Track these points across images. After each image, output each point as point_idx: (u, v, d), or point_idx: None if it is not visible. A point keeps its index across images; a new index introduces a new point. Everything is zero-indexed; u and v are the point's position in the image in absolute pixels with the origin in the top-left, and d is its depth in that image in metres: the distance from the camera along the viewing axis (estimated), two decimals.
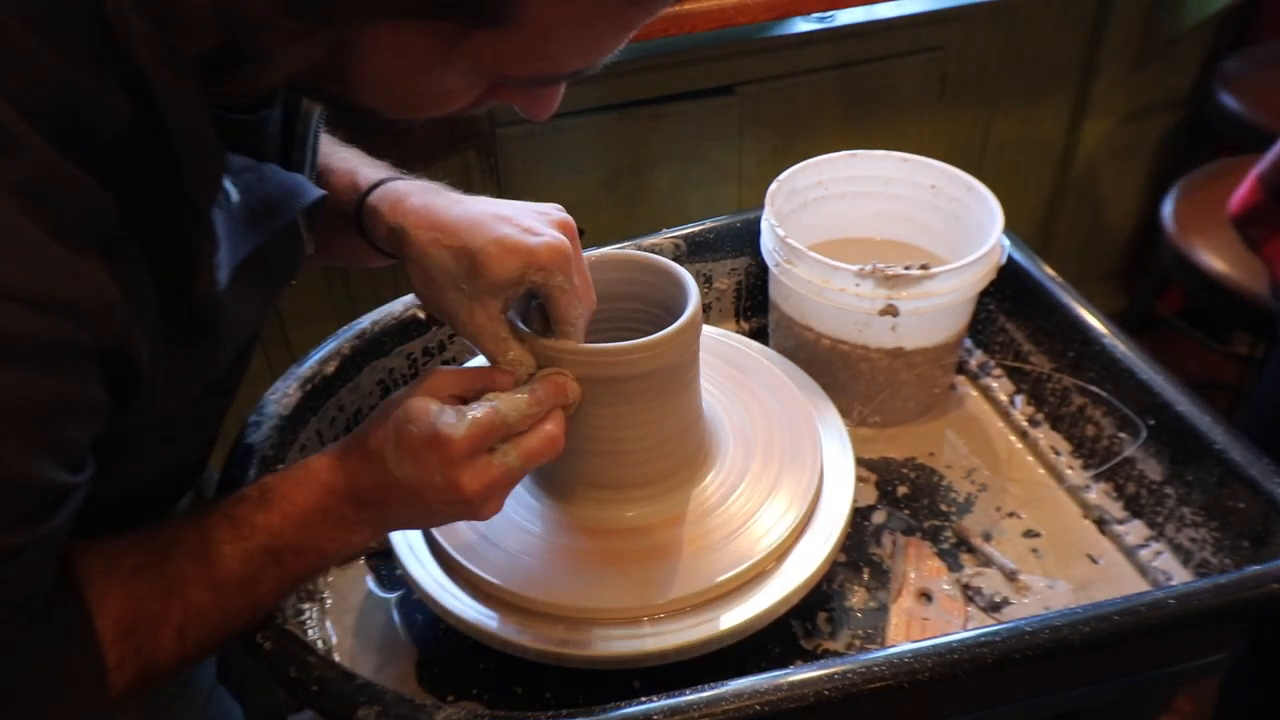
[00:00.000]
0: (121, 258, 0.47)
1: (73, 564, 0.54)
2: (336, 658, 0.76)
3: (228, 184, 0.53)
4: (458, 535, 0.72)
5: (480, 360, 0.70)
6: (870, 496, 0.88)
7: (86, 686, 0.53)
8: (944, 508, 0.87)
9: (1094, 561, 0.82)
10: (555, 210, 0.68)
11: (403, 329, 0.90)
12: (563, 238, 0.65)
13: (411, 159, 1.61)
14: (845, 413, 0.91)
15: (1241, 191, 1.09)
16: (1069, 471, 0.89)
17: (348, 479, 0.61)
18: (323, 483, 0.61)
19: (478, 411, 0.60)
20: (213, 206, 0.51)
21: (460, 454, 0.59)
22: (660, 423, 0.71)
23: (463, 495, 0.60)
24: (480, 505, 0.61)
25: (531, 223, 0.65)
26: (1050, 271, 0.94)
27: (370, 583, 0.82)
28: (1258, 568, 0.67)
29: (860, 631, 0.77)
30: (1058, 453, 0.90)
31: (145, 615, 0.56)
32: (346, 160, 0.75)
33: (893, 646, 0.66)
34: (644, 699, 0.59)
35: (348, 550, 0.64)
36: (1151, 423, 0.82)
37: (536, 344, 0.66)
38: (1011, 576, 0.80)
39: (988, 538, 0.84)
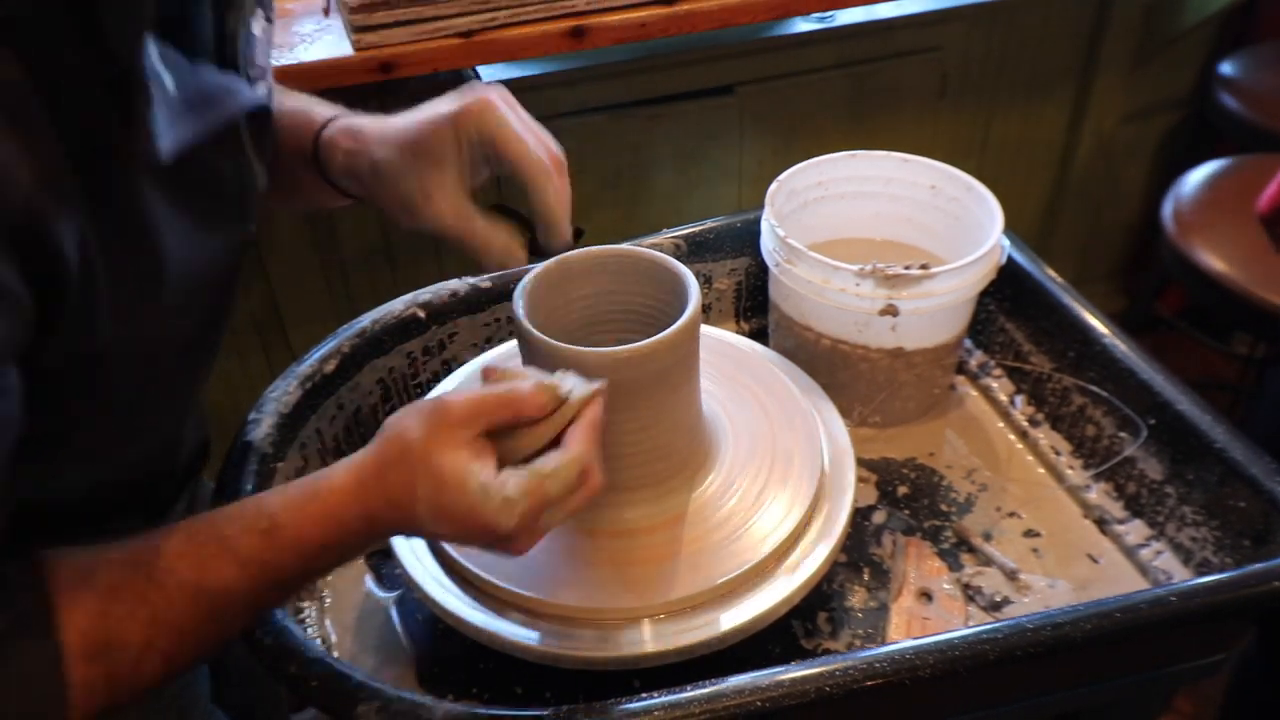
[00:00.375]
0: (28, 129, 0.43)
1: (45, 575, 0.51)
2: (336, 656, 0.76)
3: (160, 68, 0.48)
4: None
5: (485, 363, 0.69)
6: (870, 496, 0.88)
7: (43, 706, 0.49)
8: (944, 508, 0.87)
9: (1094, 561, 0.82)
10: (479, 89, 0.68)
11: (403, 328, 0.90)
12: (488, 94, 0.65)
13: None
14: (845, 413, 0.91)
15: (1271, 191, 1.09)
16: (1069, 471, 0.89)
17: (367, 521, 0.57)
18: (339, 521, 0.57)
19: (525, 502, 0.56)
20: (139, 57, 0.46)
21: (510, 534, 0.57)
22: (660, 424, 0.71)
23: (512, 551, 0.59)
24: (521, 553, 0.60)
25: (454, 98, 0.66)
26: (1050, 272, 0.94)
27: (370, 582, 0.82)
28: (1259, 565, 0.67)
29: (861, 631, 0.77)
30: (1058, 453, 0.90)
31: (120, 639, 0.51)
32: (298, 100, 0.75)
33: (895, 643, 0.66)
34: (644, 695, 0.59)
35: (343, 565, 0.64)
36: (1152, 422, 0.82)
37: (542, 345, 0.66)
38: (1012, 576, 0.80)
39: (988, 537, 0.84)
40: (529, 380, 0.60)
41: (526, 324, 0.67)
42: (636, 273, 0.74)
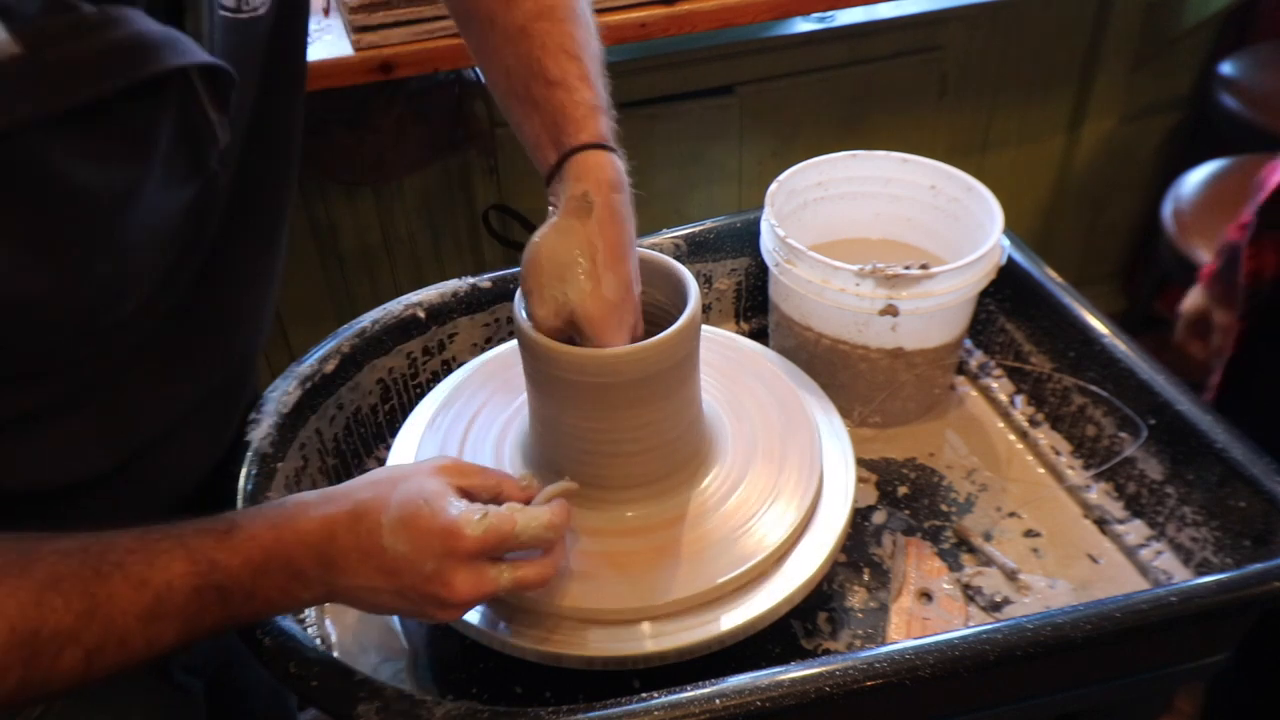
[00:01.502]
0: None
1: None
2: (336, 656, 0.76)
3: None
4: None
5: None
6: (870, 497, 0.88)
7: None
8: (944, 508, 0.87)
9: (1095, 561, 0.82)
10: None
11: (403, 328, 0.90)
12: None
13: (411, 160, 1.61)
14: (845, 413, 0.91)
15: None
16: (1069, 471, 0.89)
17: (325, 534, 0.58)
18: (297, 531, 0.58)
19: (495, 519, 0.60)
20: None
21: (467, 553, 0.58)
22: (660, 424, 0.71)
23: (448, 593, 0.58)
24: (455, 609, 0.61)
25: (633, 320, 0.68)
26: (1050, 272, 0.94)
27: None
28: (1259, 565, 0.67)
29: (861, 631, 0.77)
30: (1058, 453, 0.90)
31: (51, 628, 0.51)
32: (560, 97, 0.70)
33: (895, 643, 0.66)
34: (644, 695, 0.59)
35: (289, 609, 0.63)
36: (1152, 422, 0.82)
37: (541, 346, 0.66)
38: (1012, 576, 0.80)
39: (988, 538, 0.84)
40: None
41: (526, 326, 0.67)
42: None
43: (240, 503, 0.73)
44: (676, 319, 0.68)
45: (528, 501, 0.65)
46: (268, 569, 0.57)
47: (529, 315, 0.68)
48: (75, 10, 0.46)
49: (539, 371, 0.69)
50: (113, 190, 0.50)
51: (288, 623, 0.65)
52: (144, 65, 0.49)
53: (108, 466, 0.62)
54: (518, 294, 0.69)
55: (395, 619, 0.79)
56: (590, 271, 0.66)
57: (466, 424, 0.80)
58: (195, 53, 0.52)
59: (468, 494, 0.63)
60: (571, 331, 0.67)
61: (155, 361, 0.62)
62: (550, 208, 0.69)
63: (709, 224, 1.00)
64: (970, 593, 0.79)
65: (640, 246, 0.74)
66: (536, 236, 0.67)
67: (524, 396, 0.76)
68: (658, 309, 0.74)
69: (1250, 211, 0.93)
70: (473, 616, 0.68)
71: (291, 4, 0.64)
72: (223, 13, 0.56)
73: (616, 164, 0.69)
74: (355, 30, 1.26)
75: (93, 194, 0.49)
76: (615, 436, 0.70)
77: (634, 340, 0.68)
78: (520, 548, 0.62)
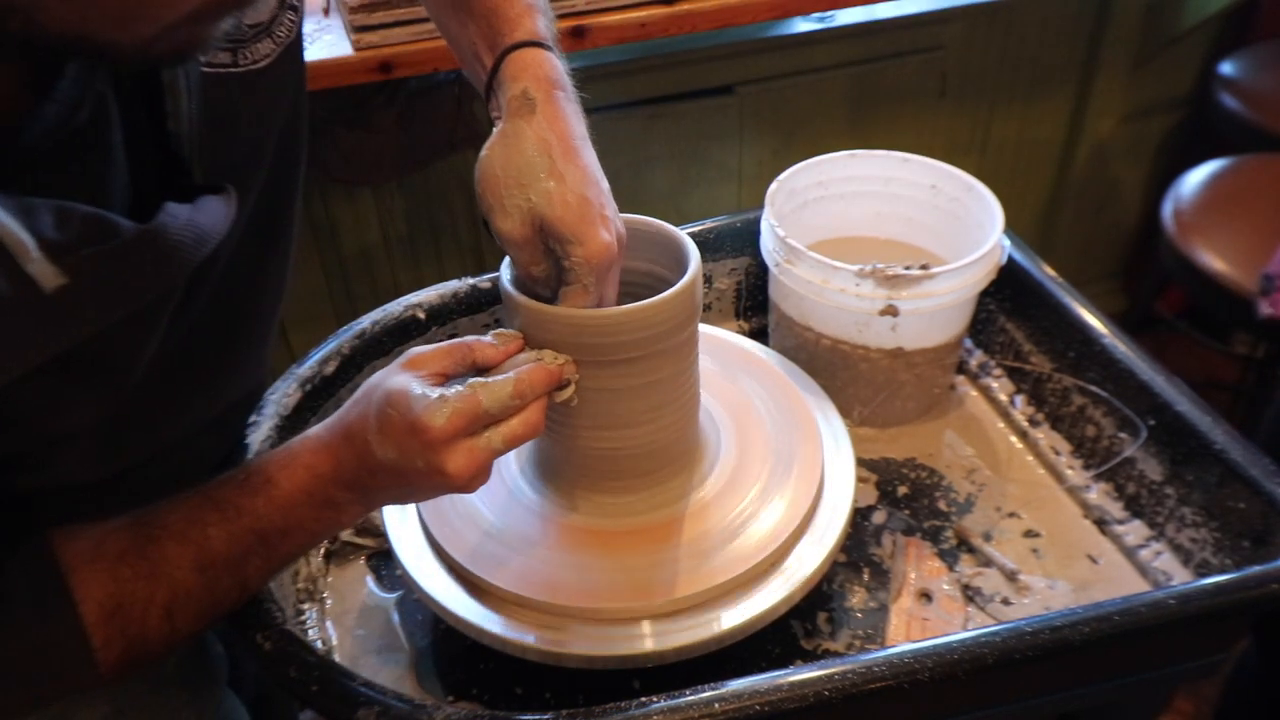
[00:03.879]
0: None
1: (54, 551, 0.55)
2: (336, 658, 0.76)
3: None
4: (459, 537, 0.72)
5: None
6: (870, 497, 0.88)
7: (76, 666, 0.55)
8: (944, 508, 0.87)
9: (1094, 562, 0.82)
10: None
11: (402, 329, 0.90)
12: (615, 244, 0.64)
13: (411, 160, 1.61)
14: (845, 413, 0.91)
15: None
16: (1069, 471, 0.89)
17: (334, 463, 0.61)
18: (308, 467, 0.61)
19: (458, 401, 0.58)
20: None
21: (439, 440, 0.58)
22: (659, 419, 0.71)
23: (447, 478, 0.59)
24: (466, 484, 0.60)
25: (611, 214, 0.65)
26: (1050, 272, 0.94)
27: (370, 583, 0.82)
28: (1258, 568, 0.67)
29: (860, 632, 0.77)
30: (1058, 453, 0.90)
31: (130, 597, 0.56)
32: (481, 18, 0.70)
33: (893, 646, 0.66)
34: (644, 699, 0.59)
35: (337, 528, 0.64)
36: (1152, 423, 0.82)
37: (531, 310, 0.65)
38: (1012, 577, 0.80)
39: (988, 538, 0.84)
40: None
41: (517, 294, 0.65)
42: (635, 239, 0.72)
43: None
44: (673, 283, 0.66)
45: (506, 358, 0.64)
46: (293, 505, 0.61)
47: (495, 233, 0.64)
48: (116, 235, 0.48)
49: (532, 340, 0.66)
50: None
51: (288, 626, 0.65)
52: (178, 275, 0.53)
53: (113, 473, 0.63)
54: (504, 264, 0.68)
55: (395, 620, 0.79)
56: (550, 169, 0.62)
57: None
58: (216, 231, 0.55)
59: (444, 376, 0.61)
60: (548, 240, 0.64)
61: (171, 382, 0.63)
62: (494, 119, 0.67)
63: (709, 224, 1.00)
64: (970, 593, 0.79)
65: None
66: (485, 150, 0.64)
67: None
68: (655, 279, 0.73)
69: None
70: (473, 616, 0.68)
71: (292, 52, 0.64)
72: (218, 69, 0.58)
73: (554, 62, 0.67)
74: (355, 30, 1.26)
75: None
76: (615, 433, 0.70)
77: (618, 240, 0.65)
78: (495, 420, 0.60)
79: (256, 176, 0.64)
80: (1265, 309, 1.11)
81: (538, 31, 0.67)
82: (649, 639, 0.67)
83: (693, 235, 0.98)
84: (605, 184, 0.66)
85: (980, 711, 0.70)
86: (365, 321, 0.89)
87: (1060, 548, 0.83)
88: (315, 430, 0.63)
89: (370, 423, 0.59)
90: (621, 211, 0.68)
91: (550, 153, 0.63)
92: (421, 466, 0.58)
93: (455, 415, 0.58)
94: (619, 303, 0.68)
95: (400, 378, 0.60)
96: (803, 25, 1.59)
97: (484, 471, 0.61)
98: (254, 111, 0.61)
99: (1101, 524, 0.85)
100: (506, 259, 0.68)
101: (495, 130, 0.65)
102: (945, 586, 0.80)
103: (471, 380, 0.60)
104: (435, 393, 0.58)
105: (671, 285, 0.67)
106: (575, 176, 0.63)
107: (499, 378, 0.61)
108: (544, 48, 0.67)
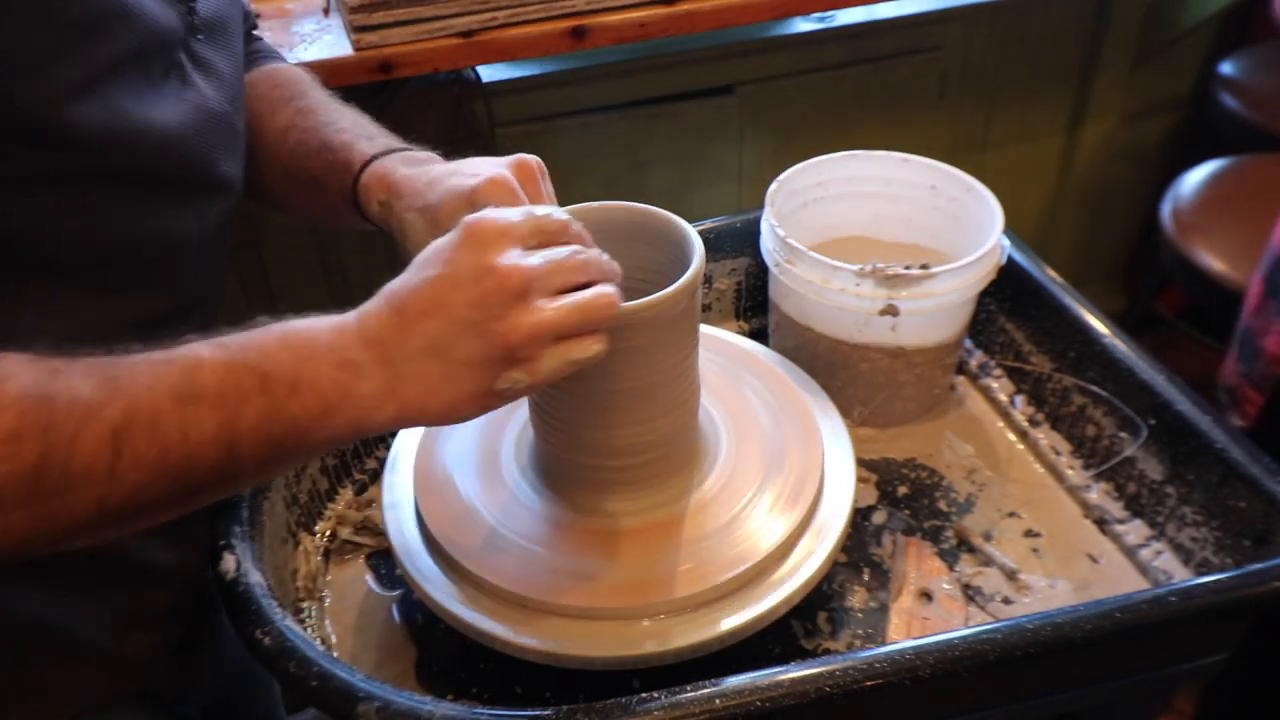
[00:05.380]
0: None
1: None
2: (336, 656, 0.75)
3: None
4: (459, 536, 0.72)
5: None
6: (871, 497, 0.88)
7: None
8: (944, 508, 0.87)
9: (1094, 561, 0.82)
10: (517, 156, 0.68)
11: None
12: (504, 172, 0.64)
13: None
14: (845, 413, 0.91)
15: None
16: (1069, 471, 0.89)
17: (360, 314, 0.54)
18: (330, 320, 0.54)
19: (535, 219, 0.55)
20: None
21: (514, 237, 0.53)
22: (660, 417, 0.71)
23: (499, 287, 0.51)
24: (520, 343, 0.52)
25: (479, 168, 0.65)
26: (1050, 272, 0.94)
27: (370, 582, 0.82)
28: (1259, 565, 0.67)
29: (860, 631, 0.77)
30: (1058, 453, 0.90)
31: (67, 396, 0.44)
32: (343, 133, 0.75)
33: (894, 643, 0.66)
34: (645, 695, 0.59)
35: (347, 411, 0.52)
36: (1152, 422, 0.82)
37: None
38: (1012, 576, 0.80)
39: (988, 538, 0.84)
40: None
41: None
42: (636, 227, 0.72)
43: (242, 505, 0.73)
44: (676, 278, 0.66)
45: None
46: (308, 353, 0.51)
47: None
48: None
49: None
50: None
51: (287, 622, 0.65)
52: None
53: None
54: None
55: (395, 617, 0.79)
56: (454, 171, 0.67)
57: (467, 424, 0.80)
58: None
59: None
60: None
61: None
62: (400, 242, 0.69)
63: (709, 224, 1.00)
64: (970, 592, 0.79)
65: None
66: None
67: (525, 398, 0.76)
68: (654, 271, 0.72)
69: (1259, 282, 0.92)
70: (472, 616, 0.68)
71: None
72: None
73: (390, 161, 0.71)
74: (355, 30, 1.26)
75: None
76: (615, 431, 0.70)
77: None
78: (556, 239, 0.56)
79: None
80: (1238, 421, 1.12)
81: (376, 149, 0.73)
82: (649, 639, 0.67)
83: None
84: (469, 162, 0.68)
85: (981, 710, 0.70)
86: None
87: (1060, 547, 0.83)
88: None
89: (412, 269, 0.54)
90: None
91: (433, 215, 0.66)
92: (473, 267, 0.51)
93: (539, 228, 0.54)
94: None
95: (496, 251, 0.53)
96: (803, 25, 1.60)
97: (543, 335, 0.52)
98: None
99: (1102, 523, 0.85)
100: None
101: (405, 251, 0.66)
102: (945, 586, 0.80)
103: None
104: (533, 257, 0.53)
105: (674, 277, 0.66)
106: (468, 169, 0.66)
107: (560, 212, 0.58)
108: (382, 156, 0.72)
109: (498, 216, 0.54)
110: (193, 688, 0.80)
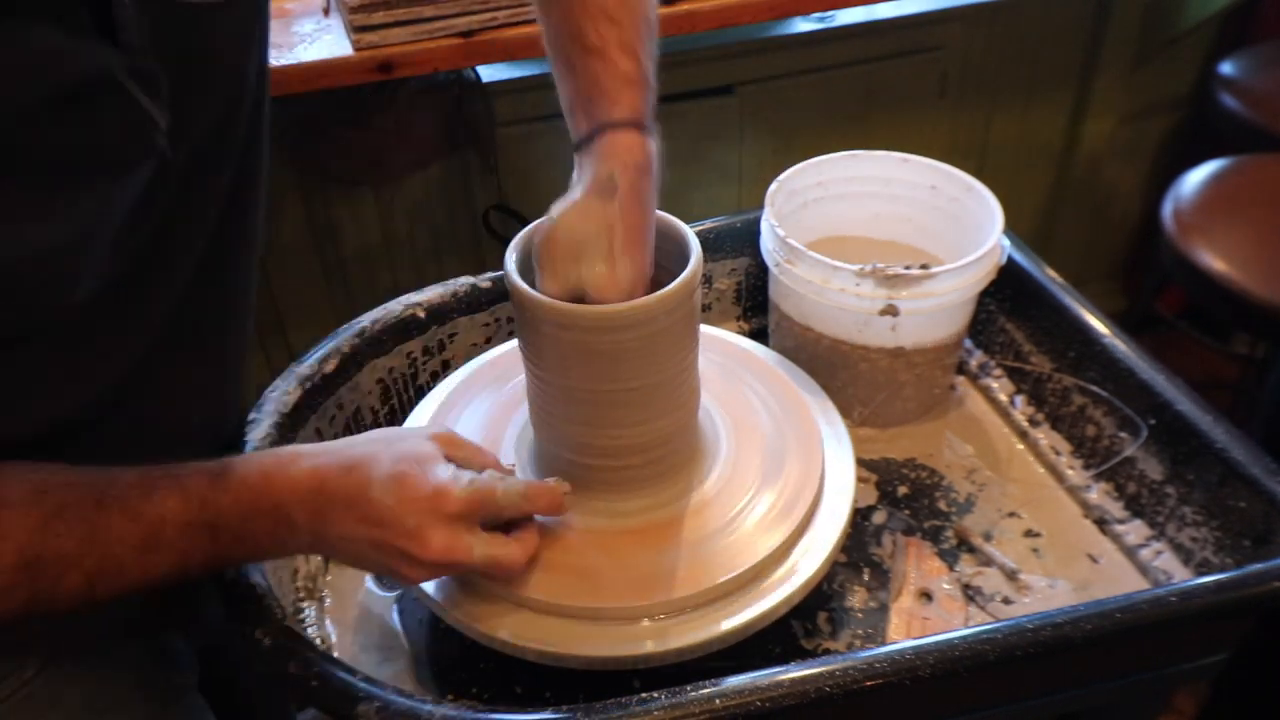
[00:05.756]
0: None
1: None
2: (336, 656, 0.75)
3: None
4: None
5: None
6: (871, 497, 0.88)
7: None
8: (944, 508, 0.87)
9: (1095, 561, 0.82)
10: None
11: (402, 327, 0.90)
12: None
13: (411, 160, 1.61)
14: (845, 413, 0.91)
15: None
16: (1069, 471, 0.89)
17: (315, 482, 0.60)
18: (289, 478, 0.60)
19: (479, 483, 0.62)
20: None
21: (449, 513, 0.61)
22: (660, 417, 0.71)
23: (422, 549, 0.60)
24: (425, 569, 0.62)
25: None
26: (1050, 272, 0.94)
27: (369, 582, 0.82)
28: (1259, 565, 0.67)
29: (860, 631, 0.77)
30: (1058, 453, 0.90)
31: (54, 553, 0.54)
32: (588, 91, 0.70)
33: (895, 643, 0.66)
34: (645, 695, 0.59)
35: (277, 554, 0.66)
36: (1152, 422, 0.82)
37: (532, 302, 0.65)
38: (1012, 576, 0.80)
39: (988, 538, 0.84)
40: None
41: (521, 284, 0.66)
42: None
43: None
44: (675, 277, 0.66)
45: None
46: (257, 512, 0.60)
47: (538, 289, 0.66)
48: None
49: (535, 333, 0.67)
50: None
51: (288, 622, 0.65)
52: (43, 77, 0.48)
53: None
54: (509, 248, 0.68)
55: (395, 618, 0.79)
56: (607, 255, 0.65)
57: (467, 424, 0.80)
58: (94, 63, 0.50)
59: (456, 464, 0.64)
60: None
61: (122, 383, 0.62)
62: (575, 174, 0.69)
63: (709, 224, 1.00)
64: (970, 592, 0.79)
65: None
66: (556, 211, 0.66)
67: (525, 398, 0.76)
68: (657, 268, 0.72)
69: None
70: (472, 616, 0.68)
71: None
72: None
73: (648, 146, 0.69)
74: (355, 30, 1.26)
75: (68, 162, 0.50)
76: (615, 430, 0.70)
77: None
78: (500, 514, 0.65)
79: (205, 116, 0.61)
80: None
81: (637, 108, 0.69)
82: (649, 640, 0.67)
83: None
84: (648, 275, 0.68)
85: (982, 711, 0.70)
86: (365, 320, 0.89)
87: (1060, 547, 0.83)
88: (308, 449, 0.63)
89: (380, 465, 0.61)
90: None
91: (612, 239, 0.65)
92: (410, 526, 0.60)
93: (474, 493, 0.62)
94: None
95: (430, 446, 0.64)
96: (803, 25, 1.60)
97: (445, 567, 0.63)
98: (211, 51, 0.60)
99: (1102, 523, 0.84)
100: (511, 246, 0.68)
101: (571, 197, 0.67)
102: (946, 586, 0.80)
103: (491, 472, 0.65)
104: (464, 474, 0.63)
105: (672, 277, 0.66)
106: (625, 268, 0.65)
107: (516, 479, 0.66)
108: (641, 128, 0.69)
109: (451, 480, 0.62)
110: (190, 623, 0.80)
